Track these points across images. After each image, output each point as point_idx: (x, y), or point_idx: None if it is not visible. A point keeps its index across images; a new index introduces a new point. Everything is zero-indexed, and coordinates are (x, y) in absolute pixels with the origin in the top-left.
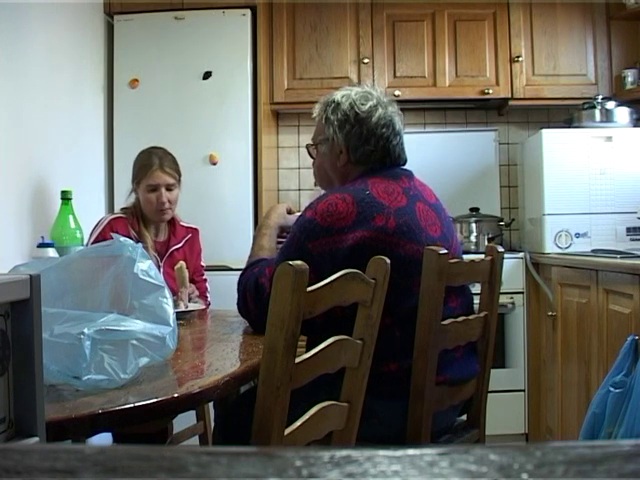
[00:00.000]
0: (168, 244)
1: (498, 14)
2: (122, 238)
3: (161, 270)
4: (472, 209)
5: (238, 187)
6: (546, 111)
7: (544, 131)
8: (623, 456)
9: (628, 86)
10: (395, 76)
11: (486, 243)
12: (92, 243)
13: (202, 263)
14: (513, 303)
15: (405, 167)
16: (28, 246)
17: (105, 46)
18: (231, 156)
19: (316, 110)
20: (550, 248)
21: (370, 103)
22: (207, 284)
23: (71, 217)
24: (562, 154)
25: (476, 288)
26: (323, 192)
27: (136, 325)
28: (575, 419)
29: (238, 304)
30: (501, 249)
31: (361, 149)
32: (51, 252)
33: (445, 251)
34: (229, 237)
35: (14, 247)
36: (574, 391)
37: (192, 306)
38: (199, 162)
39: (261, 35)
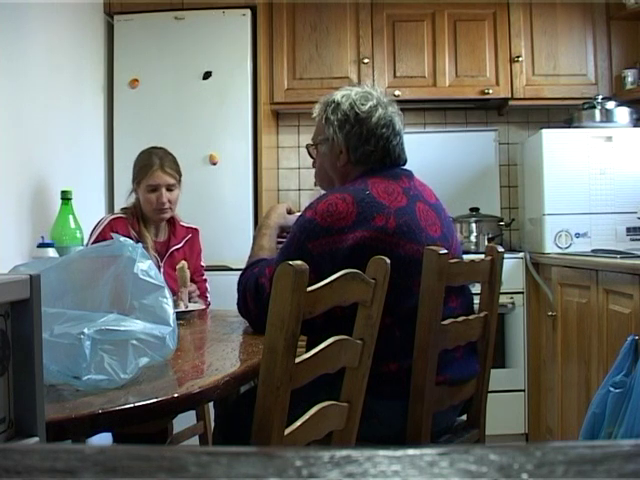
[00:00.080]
0: (168, 244)
1: (498, 14)
2: (122, 238)
3: (161, 270)
4: (472, 209)
5: (238, 187)
6: (546, 111)
7: (544, 131)
8: (623, 456)
9: (628, 86)
10: (395, 76)
11: (486, 243)
12: (92, 243)
13: (202, 263)
14: (513, 303)
15: (405, 167)
16: (28, 246)
17: (105, 46)
18: (231, 156)
19: (316, 110)
20: (550, 248)
21: (370, 103)
22: (207, 284)
23: (71, 217)
24: (562, 154)
25: (476, 288)
26: (323, 192)
27: (136, 325)
28: (575, 419)
29: (238, 304)
30: (501, 249)
31: (361, 149)
32: (51, 252)
33: (445, 251)
34: (229, 237)
35: (14, 247)
36: (574, 391)
37: (192, 306)
38: (199, 162)
39: (261, 35)
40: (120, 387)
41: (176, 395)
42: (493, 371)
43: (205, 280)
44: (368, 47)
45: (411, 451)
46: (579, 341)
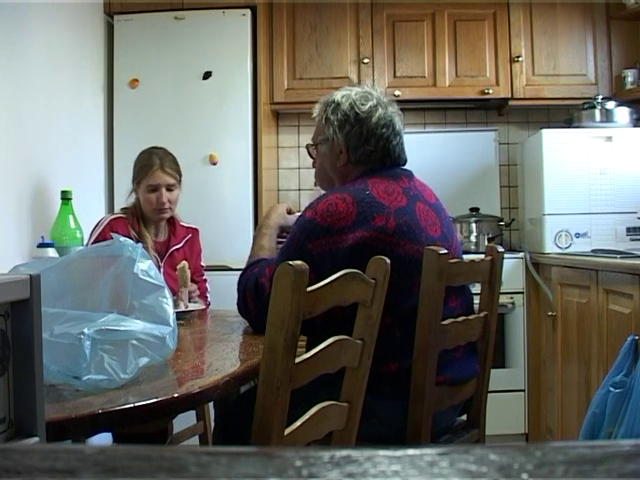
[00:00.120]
0: (168, 244)
1: (498, 14)
2: (122, 238)
3: (161, 270)
4: (472, 209)
5: (238, 187)
6: (546, 111)
7: (544, 131)
8: (623, 456)
9: (628, 86)
10: (395, 76)
11: (486, 243)
12: (92, 243)
13: (202, 263)
14: (513, 303)
15: (405, 167)
16: (28, 246)
17: (105, 46)
18: (231, 156)
19: (316, 110)
20: (550, 248)
21: (370, 103)
22: (207, 284)
23: (71, 217)
24: (562, 154)
25: (476, 288)
26: (323, 192)
27: (136, 325)
28: (575, 419)
29: (238, 304)
30: (501, 249)
31: (361, 149)
32: (51, 252)
33: (445, 251)
34: (229, 237)
35: (14, 247)
36: (574, 391)
37: (192, 306)
38: (199, 162)
39: (261, 35)
40: (120, 387)
41: (176, 395)
42: (493, 371)
43: (205, 280)
44: (368, 47)
45: (411, 451)
46: (579, 341)
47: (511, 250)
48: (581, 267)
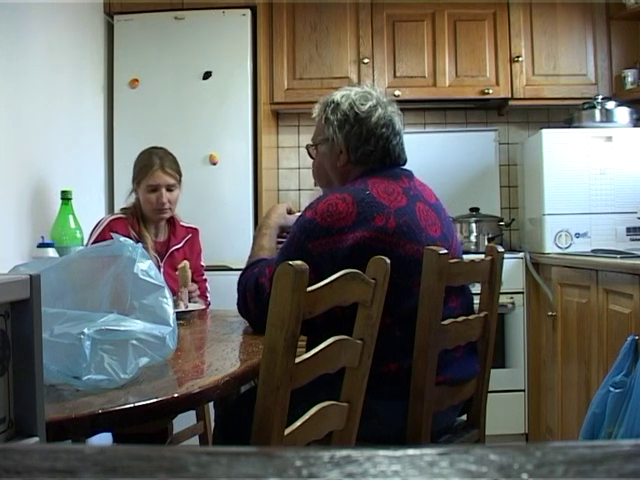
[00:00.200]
0: (168, 244)
1: (498, 14)
2: (122, 238)
3: (161, 270)
4: (472, 209)
5: (238, 187)
6: (546, 111)
7: (544, 131)
8: (623, 456)
9: (628, 86)
10: (395, 76)
11: (486, 243)
12: (92, 243)
13: (202, 263)
14: (513, 303)
15: (405, 167)
16: (28, 246)
17: (105, 46)
18: (231, 156)
19: (316, 110)
20: (550, 248)
21: (370, 103)
22: (207, 284)
23: (71, 217)
24: (562, 154)
25: (476, 288)
26: (323, 192)
27: (136, 325)
28: (575, 419)
29: (238, 304)
30: (501, 249)
31: (361, 149)
32: (51, 252)
33: (445, 251)
34: (229, 237)
35: (14, 247)
36: (574, 391)
37: (192, 306)
38: (199, 162)
39: (261, 35)
40: (120, 387)
41: (176, 395)
42: (493, 371)
43: (205, 280)
44: (368, 47)
45: (411, 451)
46: (579, 341)
47: (511, 250)
48: (581, 267)
